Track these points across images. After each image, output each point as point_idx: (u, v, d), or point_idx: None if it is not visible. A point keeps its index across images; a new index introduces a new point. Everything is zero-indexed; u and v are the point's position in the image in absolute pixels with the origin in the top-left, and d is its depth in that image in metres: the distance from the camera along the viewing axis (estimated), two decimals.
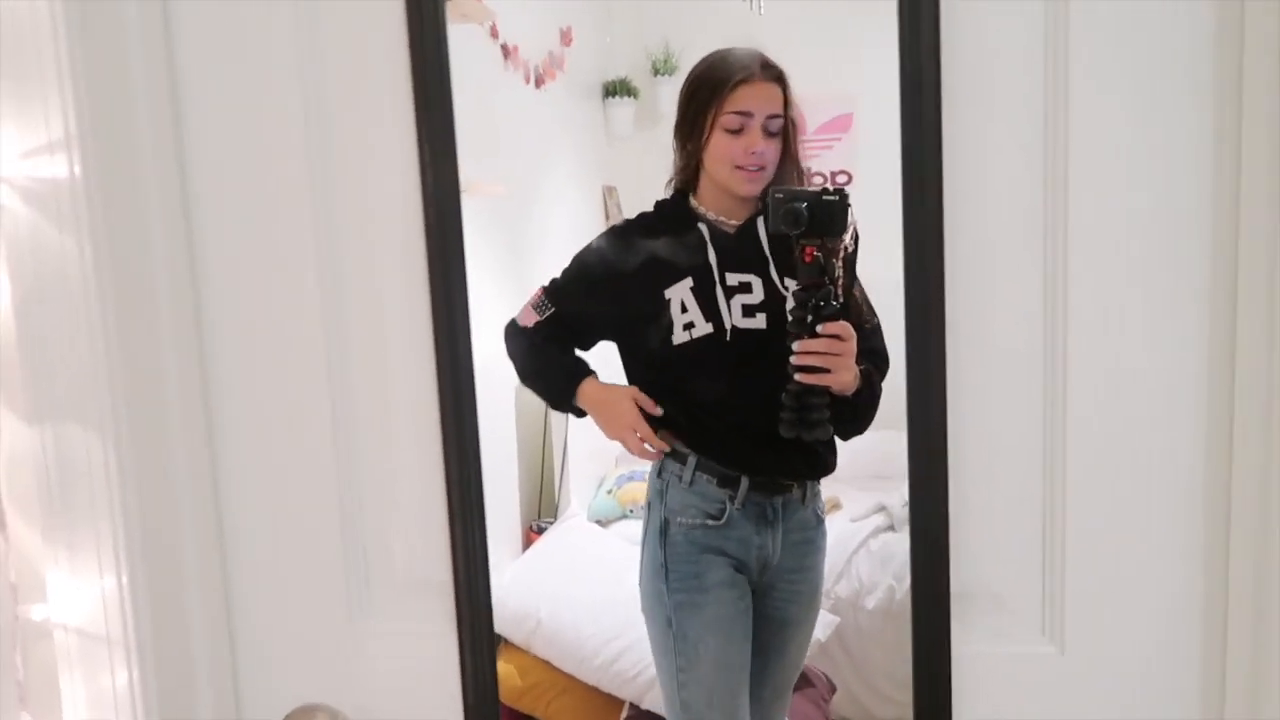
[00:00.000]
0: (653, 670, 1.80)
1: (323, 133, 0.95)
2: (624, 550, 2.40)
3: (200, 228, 0.97)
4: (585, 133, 3.72)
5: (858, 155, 4.10)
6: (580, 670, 2.28)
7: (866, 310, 1.59)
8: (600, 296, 1.64)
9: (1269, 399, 0.84)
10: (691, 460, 1.61)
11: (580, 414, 1.67)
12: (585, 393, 1.64)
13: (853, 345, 1.44)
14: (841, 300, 1.44)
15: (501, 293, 2.67)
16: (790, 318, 1.44)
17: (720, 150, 1.54)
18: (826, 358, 1.42)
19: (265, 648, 1.02)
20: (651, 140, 3.67)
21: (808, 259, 1.41)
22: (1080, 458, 0.89)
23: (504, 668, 2.32)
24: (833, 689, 2.53)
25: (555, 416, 2.72)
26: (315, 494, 0.98)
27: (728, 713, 1.61)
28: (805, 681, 2.17)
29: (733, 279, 1.56)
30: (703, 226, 1.60)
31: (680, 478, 1.63)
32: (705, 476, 1.61)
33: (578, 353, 1.71)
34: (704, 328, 1.54)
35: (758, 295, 1.56)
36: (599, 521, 2.87)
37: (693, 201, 1.64)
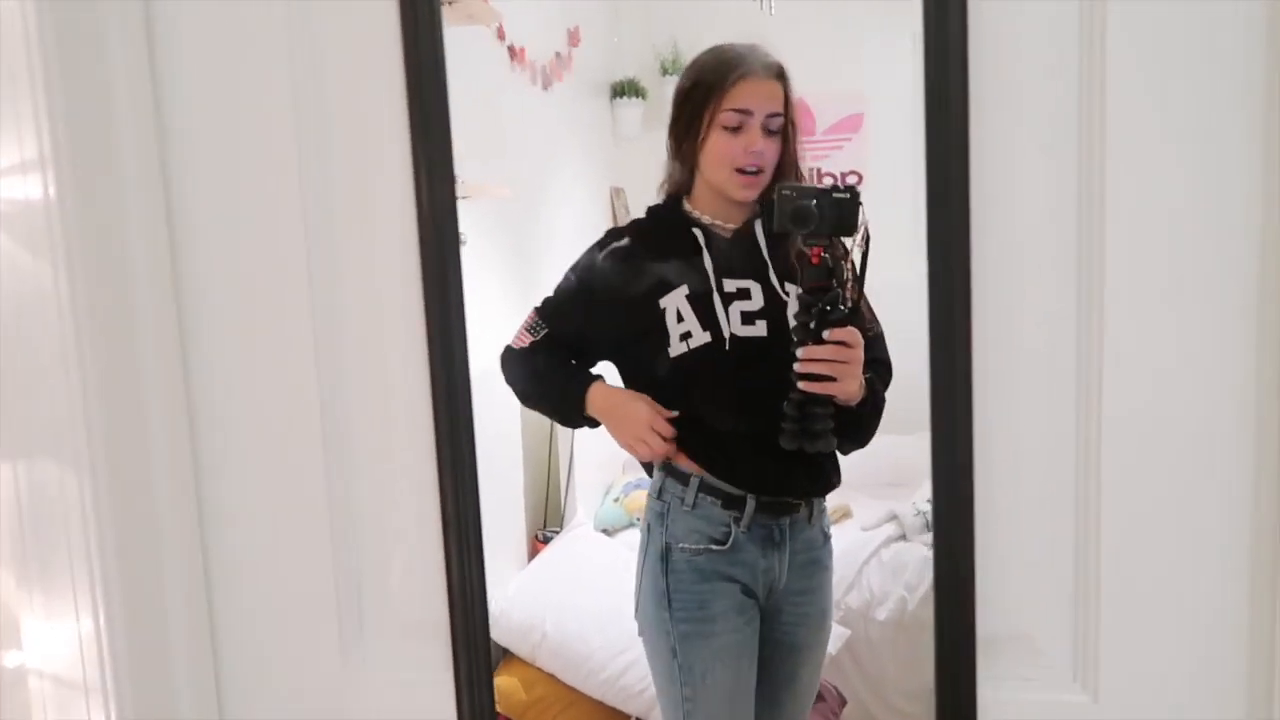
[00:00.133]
0: None
1: (316, 148, 0.91)
2: (632, 560, 2.36)
3: (186, 251, 0.92)
4: (592, 133, 3.68)
5: (868, 156, 4.06)
6: (586, 684, 2.24)
7: (869, 317, 1.51)
8: (594, 310, 1.56)
9: None
10: (694, 481, 1.53)
11: (594, 424, 1.58)
12: (594, 399, 1.54)
13: (860, 352, 1.37)
14: (850, 305, 1.37)
15: (507, 295, 2.64)
16: (794, 323, 1.37)
17: (718, 150, 1.48)
18: (833, 365, 1.34)
19: (254, 694, 0.97)
20: (660, 141, 3.59)
21: (815, 260, 1.34)
22: (1116, 489, 0.84)
23: (508, 681, 2.28)
24: (843, 702, 2.49)
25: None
26: (306, 532, 0.93)
27: None
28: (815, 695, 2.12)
29: (730, 285, 1.49)
30: (697, 231, 1.53)
31: (682, 500, 1.54)
32: (709, 498, 1.53)
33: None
34: (702, 337, 1.47)
35: (757, 302, 1.49)
36: (606, 530, 2.82)
37: (687, 205, 1.57)
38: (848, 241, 1.39)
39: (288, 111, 0.90)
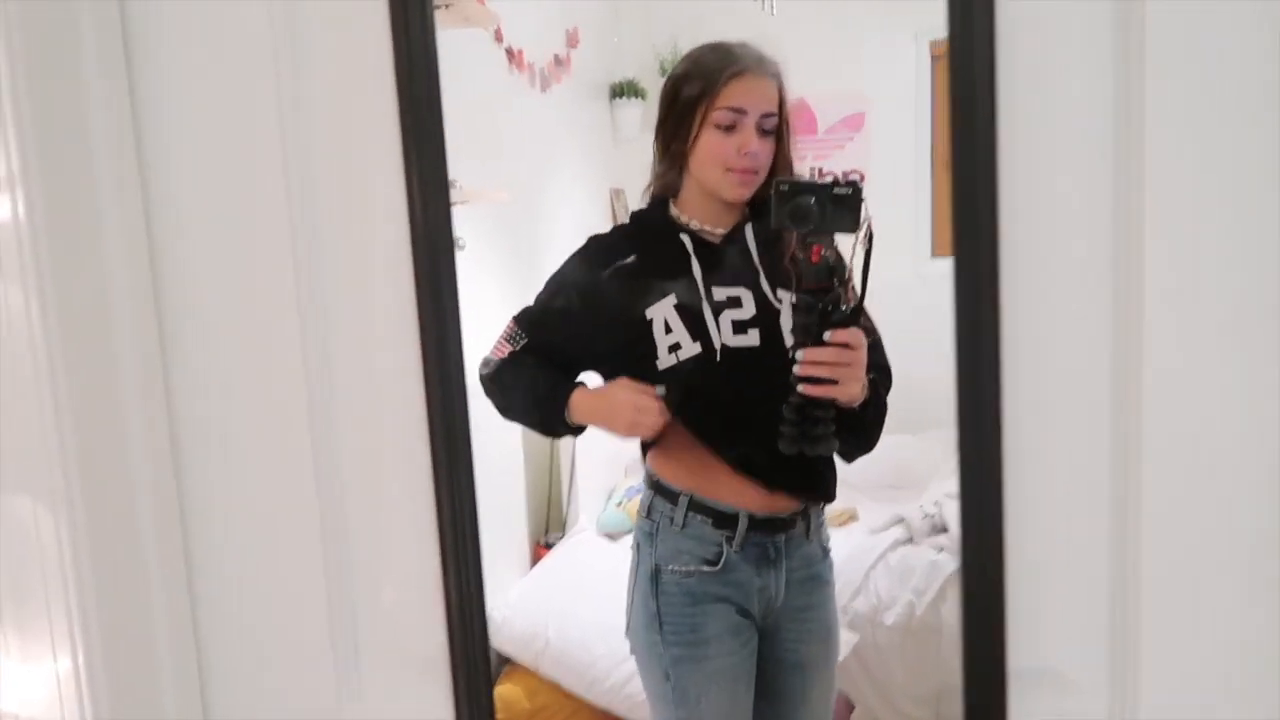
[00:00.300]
0: None
1: (302, 157, 0.87)
2: None
3: (167, 271, 0.88)
4: (592, 135, 3.66)
5: (870, 155, 4.04)
6: (590, 692, 2.22)
7: (866, 322, 1.44)
8: (575, 321, 1.49)
9: None
10: (683, 499, 1.47)
11: (577, 432, 1.51)
12: (576, 406, 1.46)
13: (863, 354, 1.31)
14: (853, 305, 1.32)
15: (505, 299, 2.61)
16: (794, 324, 1.31)
17: (710, 150, 1.41)
18: (834, 368, 1.28)
19: None
20: None
21: (815, 259, 1.28)
22: (1157, 516, 0.79)
23: (511, 690, 2.26)
24: (851, 707, 2.46)
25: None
26: (298, 558, 0.89)
27: None
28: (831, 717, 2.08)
29: (720, 293, 1.43)
30: (685, 237, 1.47)
31: (672, 520, 1.48)
32: (699, 517, 1.47)
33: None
34: (691, 349, 1.41)
35: (748, 310, 1.42)
36: (608, 535, 2.79)
37: (673, 210, 1.50)
38: (850, 239, 1.32)
39: (273, 121, 0.86)
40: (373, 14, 0.85)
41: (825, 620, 1.56)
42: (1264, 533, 0.79)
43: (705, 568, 1.47)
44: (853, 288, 1.34)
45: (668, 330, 1.41)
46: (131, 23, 0.86)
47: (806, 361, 1.28)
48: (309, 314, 0.89)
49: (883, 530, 2.73)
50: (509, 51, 2.80)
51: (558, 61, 3.20)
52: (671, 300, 1.42)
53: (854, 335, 1.29)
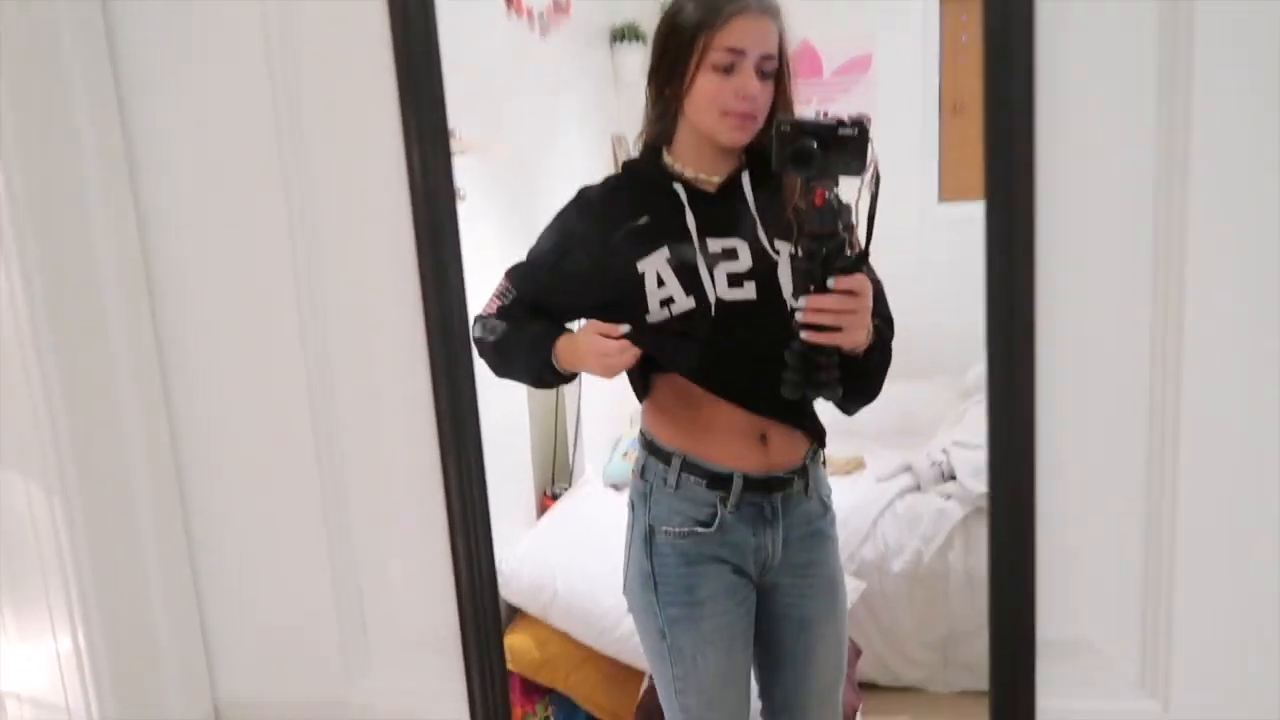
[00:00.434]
0: None
1: (293, 103, 0.84)
2: None
3: (157, 241, 0.86)
4: (593, 81, 3.58)
5: (877, 98, 3.96)
6: (600, 642, 2.22)
7: (868, 272, 1.38)
8: (566, 276, 1.44)
9: None
10: (676, 460, 1.44)
11: (570, 379, 1.47)
12: (560, 350, 1.42)
13: (868, 301, 1.27)
14: (858, 252, 1.28)
15: (505, 254, 2.58)
16: (796, 271, 1.27)
17: (706, 93, 1.35)
18: (839, 315, 1.24)
19: (253, 713, 0.92)
20: None
21: (819, 203, 1.22)
22: (1192, 481, 0.76)
23: (521, 640, 2.27)
24: (858, 653, 2.47)
25: None
26: (300, 537, 0.88)
27: (729, 715, 1.49)
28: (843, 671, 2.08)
29: (715, 245, 1.38)
30: (679, 187, 1.41)
31: (665, 480, 1.45)
32: (693, 478, 1.44)
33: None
34: (684, 302, 1.36)
35: (744, 262, 1.37)
36: (614, 486, 2.79)
37: (667, 158, 1.45)
38: (855, 183, 1.26)
39: (261, 69, 0.83)
40: None
41: (828, 575, 1.53)
42: None
43: (700, 529, 1.44)
44: (857, 234, 1.30)
45: (660, 284, 1.37)
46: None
47: (810, 309, 1.24)
48: (304, 275, 0.86)
49: (890, 478, 2.73)
50: None
51: (557, 5, 3.12)
52: (664, 254, 1.37)
53: (859, 282, 1.25)
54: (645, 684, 2.17)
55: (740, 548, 1.45)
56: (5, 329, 0.74)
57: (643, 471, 1.50)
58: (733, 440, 1.43)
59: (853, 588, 2.41)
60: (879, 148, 1.25)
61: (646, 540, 1.47)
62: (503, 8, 2.73)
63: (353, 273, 0.88)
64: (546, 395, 2.79)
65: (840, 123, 1.22)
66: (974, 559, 2.51)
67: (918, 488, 2.66)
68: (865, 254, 1.30)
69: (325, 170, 0.86)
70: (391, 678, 0.92)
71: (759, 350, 1.34)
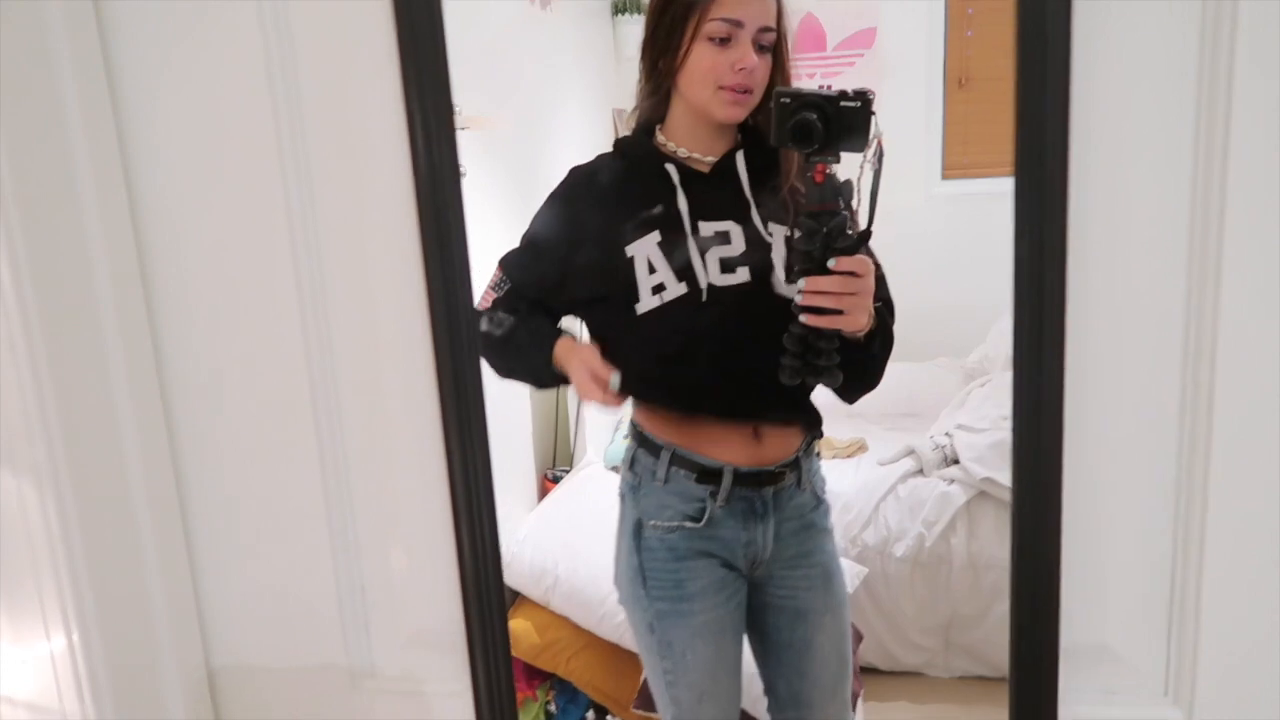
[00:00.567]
0: None
1: (292, 87, 0.80)
2: None
3: (149, 212, 0.81)
4: (594, 54, 3.52)
5: (882, 73, 3.90)
6: (600, 627, 2.21)
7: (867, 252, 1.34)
8: (555, 262, 1.39)
9: None
10: (666, 453, 1.39)
11: (568, 381, 1.40)
12: (558, 355, 1.37)
13: (870, 283, 1.22)
14: (860, 231, 1.23)
15: (509, 230, 2.53)
16: (796, 250, 1.22)
17: (702, 65, 1.29)
18: (840, 298, 1.19)
19: (255, 715, 0.89)
20: None
21: (819, 179, 1.18)
22: (1223, 486, 0.74)
23: (522, 624, 2.25)
24: (860, 638, 2.47)
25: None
26: (303, 534, 0.84)
27: (721, 706, 1.47)
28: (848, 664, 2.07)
29: (707, 228, 1.33)
30: (671, 168, 1.35)
31: (654, 473, 1.40)
32: (683, 472, 1.39)
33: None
34: (676, 289, 1.31)
35: (738, 246, 1.32)
36: (616, 468, 2.75)
37: (660, 137, 1.39)
38: (857, 159, 1.22)
39: (257, 45, 0.78)
40: None
41: (824, 566, 1.49)
42: None
43: (689, 524, 1.40)
44: (859, 212, 1.25)
45: (651, 270, 1.32)
46: None
47: (809, 291, 1.20)
48: (304, 258, 0.82)
49: (893, 462, 2.71)
50: None
51: None
52: (655, 238, 1.32)
53: (861, 263, 1.20)
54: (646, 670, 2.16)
55: (730, 543, 1.41)
56: None
57: (632, 464, 1.46)
58: (724, 433, 1.39)
59: (855, 573, 2.40)
60: (881, 122, 1.20)
61: (635, 534, 1.44)
62: None
63: (354, 254, 0.84)
64: None
65: (843, 95, 1.16)
66: (976, 544, 2.50)
67: (920, 472, 2.64)
68: (867, 233, 1.25)
69: (324, 150, 0.83)
70: (394, 676, 0.89)
71: (753, 338, 1.30)
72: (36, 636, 0.75)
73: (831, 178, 1.18)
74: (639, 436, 1.45)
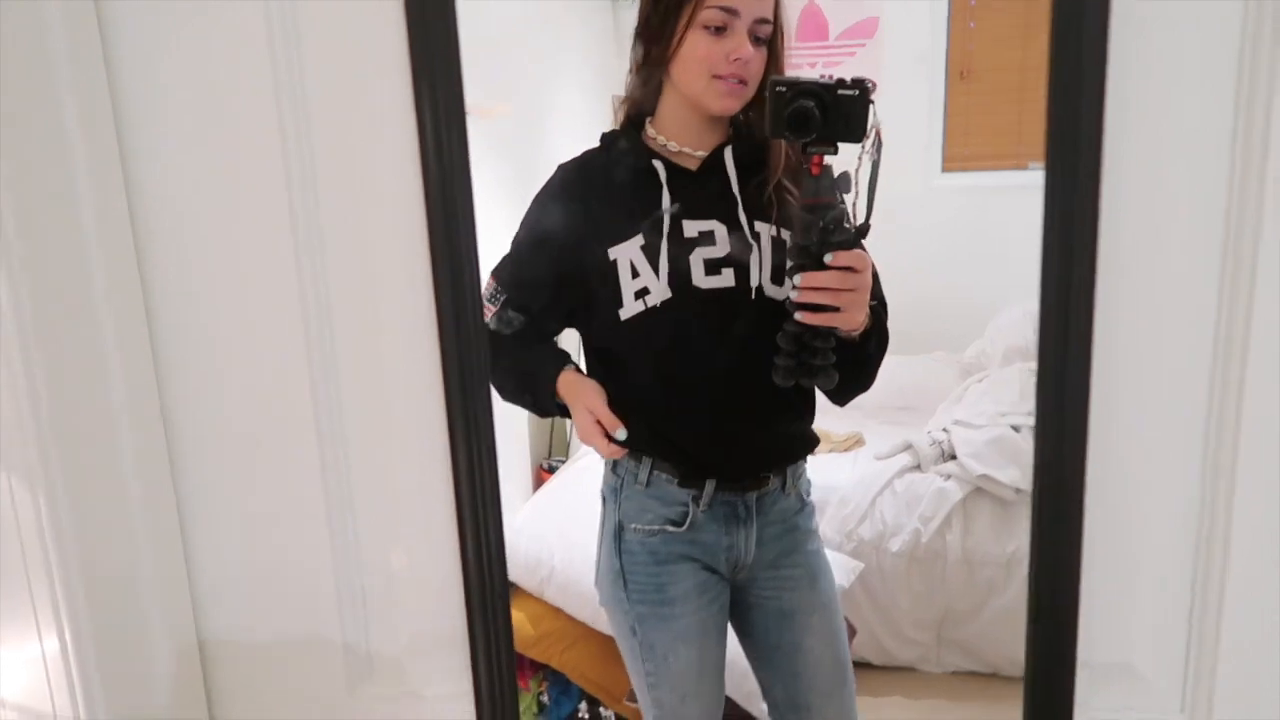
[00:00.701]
0: None
1: (297, 82, 0.78)
2: None
3: (145, 203, 0.79)
4: (594, 41, 3.50)
5: (883, 63, 3.88)
6: (595, 620, 2.20)
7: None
8: (543, 267, 1.34)
9: None
10: (647, 458, 1.36)
11: (568, 413, 1.38)
12: (561, 388, 1.34)
13: (868, 278, 1.19)
14: (858, 225, 1.19)
15: (509, 221, 2.52)
16: (791, 245, 1.18)
17: (696, 53, 1.24)
18: (836, 294, 1.15)
19: (250, 712, 0.88)
20: None
21: (816, 171, 1.14)
22: (1247, 501, 0.72)
23: (516, 616, 2.24)
24: (853, 632, 2.47)
25: (570, 345, 2.59)
26: (301, 535, 0.83)
27: (704, 706, 1.45)
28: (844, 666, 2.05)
29: (692, 228, 1.28)
30: (658, 164, 1.30)
31: (635, 476, 1.37)
32: (664, 476, 1.36)
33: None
34: (659, 293, 1.27)
35: (722, 247, 1.28)
36: None
37: (649, 131, 1.34)
38: (855, 150, 1.17)
39: (261, 37, 0.77)
40: None
41: (808, 566, 1.45)
42: None
43: (670, 527, 1.38)
44: (857, 205, 1.20)
45: (634, 274, 1.28)
46: None
47: (805, 287, 1.16)
48: (305, 245, 0.80)
49: (890, 457, 2.70)
50: None
51: None
52: (638, 240, 1.28)
53: (858, 258, 1.17)
54: None
55: (711, 547, 1.39)
56: None
57: (614, 466, 1.43)
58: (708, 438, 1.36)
59: (851, 568, 2.40)
60: (882, 113, 1.17)
61: (616, 537, 1.42)
62: None
63: (359, 249, 0.82)
64: None
65: (841, 83, 1.13)
66: (971, 539, 2.50)
67: (917, 467, 2.64)
68: (865, 227, 1.21)
69: (330, 144, 0.81)
70: (393, 682, 0.88)
71: (739, 342, 1.27)
72: (28, 639, 0.74)
73: (828, 170, 1.15)
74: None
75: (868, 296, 1.21)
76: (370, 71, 0.78)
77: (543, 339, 1.42)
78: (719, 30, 1.24)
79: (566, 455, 2.74)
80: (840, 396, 1.35)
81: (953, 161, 3.89)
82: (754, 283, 1.28)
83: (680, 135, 1.33)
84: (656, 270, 1.27)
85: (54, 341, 0.74)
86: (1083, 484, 0.72)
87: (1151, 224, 0.71)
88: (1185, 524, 0.74)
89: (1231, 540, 0.72)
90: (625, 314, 1.29)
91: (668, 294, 1.27)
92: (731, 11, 1.23)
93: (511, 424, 2.55)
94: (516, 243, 1.39)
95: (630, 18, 3.77)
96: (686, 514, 1.37)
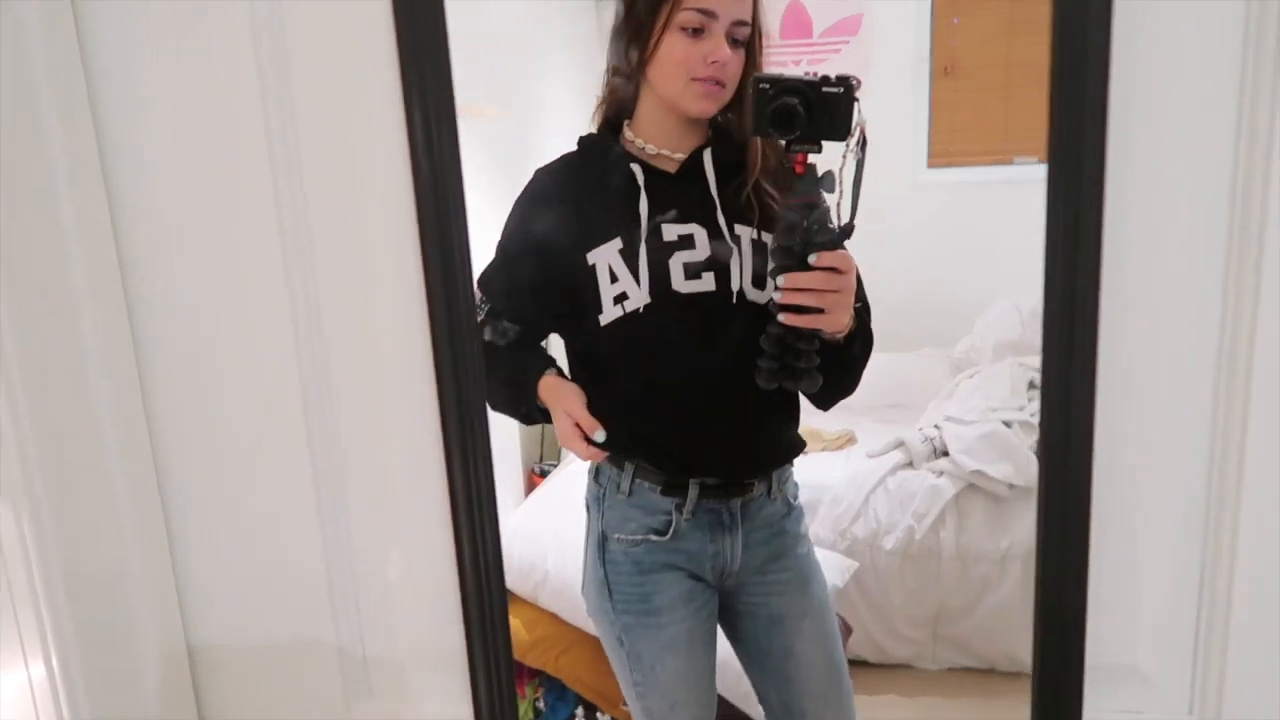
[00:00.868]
0: None
1: (284, 86, 0.76)
2: None
3: (131, 226, 0.78)
4: (578, 40, 3.48)
5: (868, 60, 3.88)
6: (590, 624, 2.17)
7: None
8: (523, 273, 1.33)
9: None
10: (629, 465, 1.35)
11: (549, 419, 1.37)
12: (542, 392, 1.33)
13: (853, 279, 1.18)
14: (842, 225, 1.18)
15: (498, 220, 2.50)
16: (774, 246, 1.17)
17: (673, 55, 1.23)
18: (821, 295, 1.14)
19: None
20: None
21: (799, 169, 1.13)
22: (1255, 503, 0.72)
23: (510, 621, 2.23)
24: (849, 631, 2.46)
25: (557, 351, 2.58)
26: (295, 549, 0.81)
27: (694, 713, 1.44)
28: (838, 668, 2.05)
29: (670, 232, 1.27)
30: (636, 168, 1.29)
31: (618, 485, 1.36)
32: (646, 484, 1.35)
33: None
34: (638, 298, 1.25)
35: (702, 250, 1.26)
36: None
37: (627, 134, 1.33)
38: (841, 147, 1.16)
39: (246, 38, 0.75)
40: None
41: (798, 570, 1.44)
42: None
43: (654, 536, 1.36)
44: (842, 205, 1.19)
45: (613, 279, 1.26)
46: None
47: (788, 288, 1.15)
48: (294, 251, 0.79)
49: (882, 454, 2.69)
50: None
51: None
52: (616, 244, 1.27)
53: (843, 259, 1.16)
54: None
55: (696, 555, 1.37)
56: None
57: (596, 474, 1.42)
58: (691, 445, 1.34)
59: (845, 567, 2.39)
60: (867, 111, 1.16)
61: (600, 547, 1.41)
62: None
63: (350, 251, 0.81)
64: None
65: (825, 80, 1.12)
66: (965, 536, 2.50)
67: (910, 464, 2.63)
68: (850, 227, 1.19)
69: (318, 143, 0.80)
70: (392, 698, 0.87)
71: (720, 346, 1.26)
72: (14, 663, 0.72)
73: (812, 168, 1.14)
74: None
75: (852, 298, 1.19)
76: (359, 70, 0.76)
77: (525, 345, 1.40)
78: (696, 32, 1.23)
79: (558, 459, 2.73)
80: (824, 400, 1.34)
81: (938, 157, 3.89)
82: (735, 286, 1.27)
83: (658, 138, 1.32)
84: (636, 275, 1.26)
85: (35, 343, 0.73)
86: (1089, 485, 0.71)
87: (1155, 220, 0.70)
88: (1192, 524, 0.74)
89: (1239, 541, 0.72)
90: (605, 319, 1.28)
91: (647, 299, 1.26)
92: (709, 14, 1.22)
93: (503, 428, 2.54)
94: (498, 249, 1.38)
95: (613, 17, 3.75)
96: (670, 523, 1.36)
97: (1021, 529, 2.46)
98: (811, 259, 1.14)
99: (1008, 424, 2.61)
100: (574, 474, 2.62)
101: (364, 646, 0.86)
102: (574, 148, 1.39)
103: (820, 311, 1.16)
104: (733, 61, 1.25)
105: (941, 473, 2.56)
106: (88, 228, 0.76)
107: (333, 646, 0.85)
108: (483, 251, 1.45)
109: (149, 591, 0.83)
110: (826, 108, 1.12)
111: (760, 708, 1.54)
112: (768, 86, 1.12)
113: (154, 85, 0.78)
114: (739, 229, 1.29)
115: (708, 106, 1.27)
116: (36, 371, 0.73)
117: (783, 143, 1.17)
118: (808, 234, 1.14)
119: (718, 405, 1.31)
